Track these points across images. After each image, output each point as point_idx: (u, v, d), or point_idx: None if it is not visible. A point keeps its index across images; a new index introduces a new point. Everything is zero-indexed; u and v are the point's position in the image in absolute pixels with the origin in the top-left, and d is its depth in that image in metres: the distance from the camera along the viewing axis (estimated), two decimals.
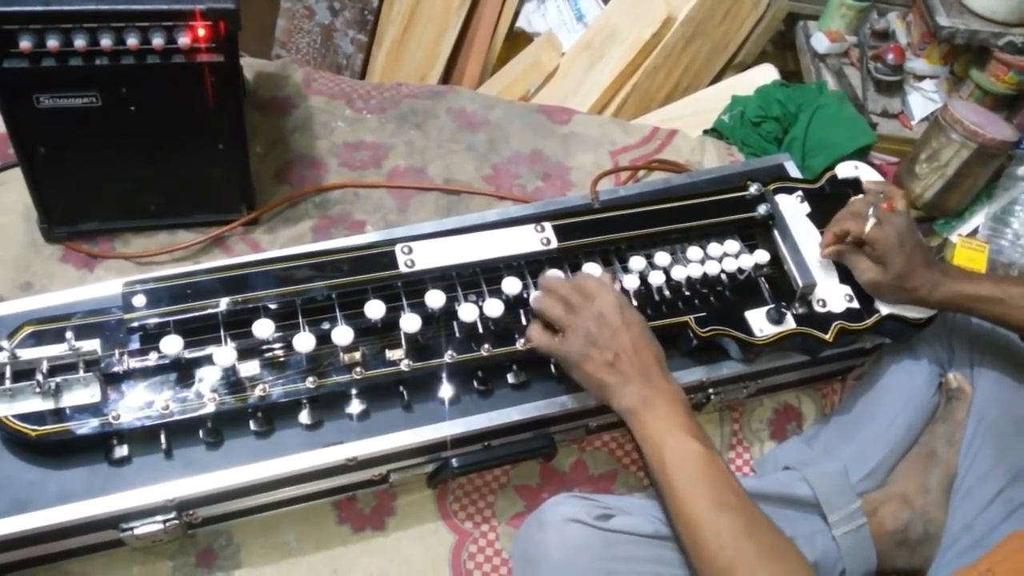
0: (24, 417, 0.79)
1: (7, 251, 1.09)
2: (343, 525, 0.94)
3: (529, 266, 0.93)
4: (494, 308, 0.88)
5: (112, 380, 0.82)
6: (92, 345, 0.82)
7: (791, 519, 0.90)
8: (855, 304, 0.96)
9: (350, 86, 1.36)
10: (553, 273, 0.91)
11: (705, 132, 1.41)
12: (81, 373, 0.80)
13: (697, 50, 1.58)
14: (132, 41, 0.89)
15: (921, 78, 1.55)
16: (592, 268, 0.93)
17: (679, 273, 0.94)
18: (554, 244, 0.93)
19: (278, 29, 1.75)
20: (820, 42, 1.55)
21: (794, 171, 1.16)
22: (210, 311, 0.84)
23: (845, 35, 1.56)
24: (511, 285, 0.89)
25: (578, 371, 0.82)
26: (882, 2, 1.64)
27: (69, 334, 0.81)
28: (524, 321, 0.91)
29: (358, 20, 1.70)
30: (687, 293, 0.95)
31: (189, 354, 0.83)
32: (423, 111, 1.34)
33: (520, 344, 0.88)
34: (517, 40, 1.75)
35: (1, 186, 1.14)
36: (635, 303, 0.92)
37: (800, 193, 1.04)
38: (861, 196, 1.02)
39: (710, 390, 0.98)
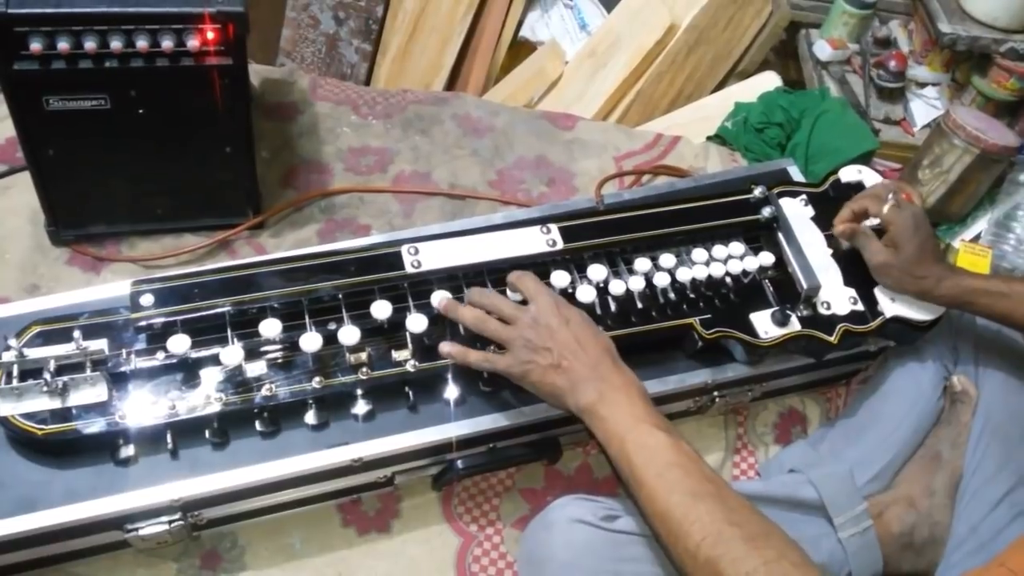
0: (31, 416, 0.79)
1: (14, 254, 1.09)
2: (348, 528, 0.94)
3: (535, 267, 0.92)
4: None
5: (119, 380, 0.82)
6: (99, 345, 0.82)
7: (796, 522, 0.90)
8: (860, 307, 0.96)
9: (356, 92, 1.36)
10: (479, 289, 0.88)
11: (708, 138, 1.41)
12: (88, 372, 0.80)
13: (700, 58, 1.59)
14: (142, 43, 0.90)
15: (923, 85, 1.56)
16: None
17: (684, 275, 0.94)
18: (560, 245, 0.93)
19: (283, 39, 1.76)
20: (822, 50, 1.56)
21: (798, 176, 1.16)
22: (217, 311, 0.84)
23: (847, 43, 1.57)
24: None
25: (526, 382, 0.79)
26: (884, 10, 1.65)
27: (76, 333, 0.81)
28: None
29: (362, 30, 1.71)
30: (692, 295, 0.95)
31: (196, 354, 0.83)
32: (428, 117, 1.35)
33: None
34: (520, 50, 1.75)
35: (8, 190, 1.15)
36: (640, 305, 0.93)
37: (804, 197, 1.04)
38: (881, 181, 1.03)
39: (715, 393, 0.98)
